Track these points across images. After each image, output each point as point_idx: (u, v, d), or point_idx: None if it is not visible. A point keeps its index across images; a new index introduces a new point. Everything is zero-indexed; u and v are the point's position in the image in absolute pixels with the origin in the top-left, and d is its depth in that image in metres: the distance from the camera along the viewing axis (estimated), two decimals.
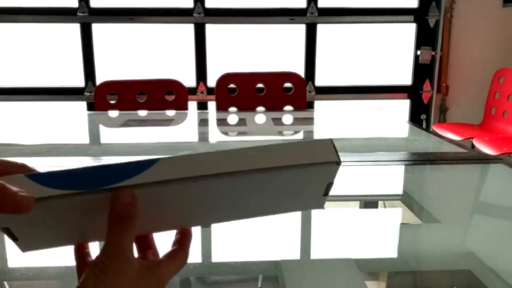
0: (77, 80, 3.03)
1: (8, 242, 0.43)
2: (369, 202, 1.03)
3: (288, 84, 2.08)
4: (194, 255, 0.70)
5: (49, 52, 3.02)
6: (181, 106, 2.02)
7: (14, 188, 0.34)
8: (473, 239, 0.77)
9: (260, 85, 2.08)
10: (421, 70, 3.15)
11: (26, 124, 1.86)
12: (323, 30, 3.07)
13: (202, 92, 3.07)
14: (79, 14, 2.94)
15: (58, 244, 0.43)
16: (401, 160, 1.20)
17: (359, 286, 0.60)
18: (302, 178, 0.40)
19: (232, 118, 1.97)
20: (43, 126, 1.79)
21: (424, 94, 3.17)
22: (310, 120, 1.98)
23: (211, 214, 0.44)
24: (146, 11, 2.98)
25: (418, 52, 3.12)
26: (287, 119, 1.99)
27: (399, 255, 0.70)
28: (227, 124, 1.87)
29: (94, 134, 1.76)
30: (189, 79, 3.00)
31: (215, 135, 1.70)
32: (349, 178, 1.10)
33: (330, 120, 1.96)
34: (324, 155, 0.39)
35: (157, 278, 0.38)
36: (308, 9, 3.02)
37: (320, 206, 0.45)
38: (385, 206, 1.00)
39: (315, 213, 0.89)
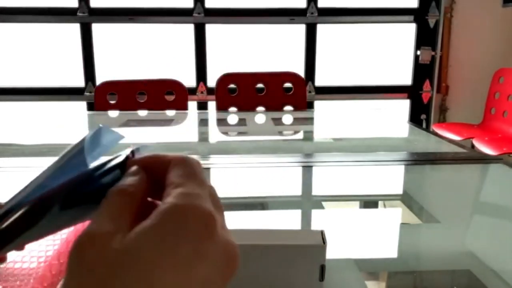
0: (77, 80, 3.03)
1: None
2: (369, 202, 1.03)
3: (288, 84, 2.08)
4: None
5: (49, 52, 3.02)
6: (181, 106, 2.02)
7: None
8: (473, 239, 0.77)
9: (260, 85, 2.08)
10: (421, 70, 3.15)
11: (26, 124, 1.86)
12: (323, 30, 3.07)
13: (202, 92, 3.07)
14: (79, 14, 2.94)
15: None
16: (401, 160, 1.20)
17: (359, 286, 0.61)
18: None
19: (232, 118, 1.97)
20: (43, 126, 1.79)
21: (424, 94, 3.17)
22: (310, 120, 1.98)
23: None
24: (146, 11, 2.98)
25: (418, 52, 3.12)
26: (287, 119, 1.99)
27: (399, 255, 0.70)
28: (227, 124, 1.87)
29: None
30: (189, 79, 3.00)
31: (215, 135, 1.70)
32: (349, 178, 1.10)
33: (330, 120, 1.96)
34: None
35: None
36: (308, 9, 3.02)
37: None
38: (385, 206, 1.00)
39: (315, 213, 0.89)
